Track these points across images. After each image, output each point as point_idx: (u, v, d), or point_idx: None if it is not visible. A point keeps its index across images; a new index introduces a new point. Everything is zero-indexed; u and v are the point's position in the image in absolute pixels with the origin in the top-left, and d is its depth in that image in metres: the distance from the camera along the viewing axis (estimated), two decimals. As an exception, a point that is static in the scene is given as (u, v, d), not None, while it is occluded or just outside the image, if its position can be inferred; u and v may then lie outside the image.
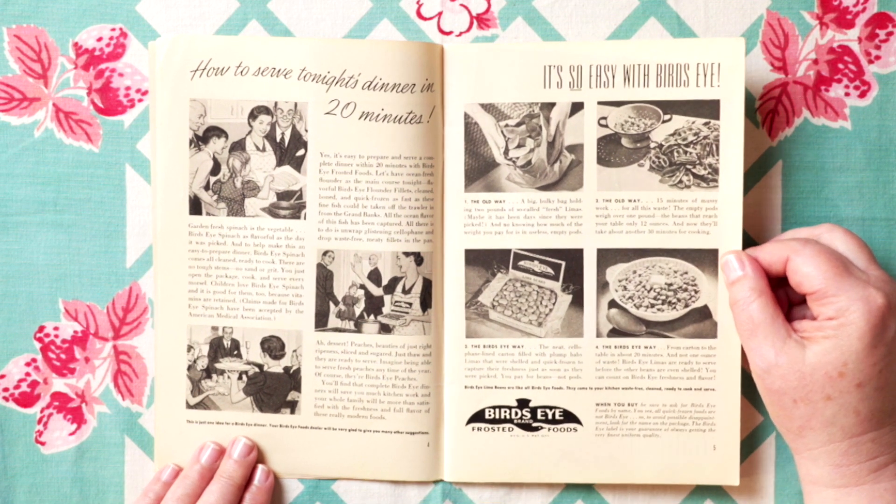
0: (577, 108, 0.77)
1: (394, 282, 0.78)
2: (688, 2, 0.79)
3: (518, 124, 0.77)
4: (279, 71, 0.77)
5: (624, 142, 0.77)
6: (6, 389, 0.80)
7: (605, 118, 0.77)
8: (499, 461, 0.78)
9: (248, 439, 0.79)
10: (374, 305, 0.79)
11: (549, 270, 0.77)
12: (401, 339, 0.78)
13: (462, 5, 0.79)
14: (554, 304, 0.78)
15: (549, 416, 0.78)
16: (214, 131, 0.78)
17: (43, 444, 0.81)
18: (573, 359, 0.78)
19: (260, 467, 0.79)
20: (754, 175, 0.79)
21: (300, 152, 0.78)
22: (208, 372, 0.79)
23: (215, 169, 0.78)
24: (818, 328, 0.68)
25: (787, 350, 0.68)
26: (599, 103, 0.77)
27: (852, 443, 0.68)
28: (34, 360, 0.80)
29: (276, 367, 0.79)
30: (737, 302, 0.71)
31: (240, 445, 0.78)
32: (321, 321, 0.79)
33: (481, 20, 0.80)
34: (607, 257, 0.77)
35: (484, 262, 0.78)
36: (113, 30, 0.80)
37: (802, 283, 0.69)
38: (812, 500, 0.70)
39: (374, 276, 0.78)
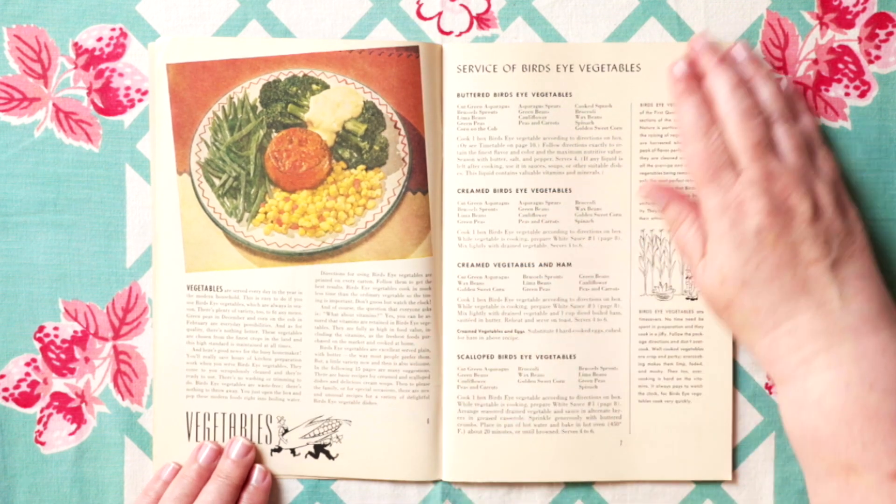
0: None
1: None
2: (688, 2, 0.79)
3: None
4: (278, 71, 0.78)
5: None
6: (6, 389, 0.81)
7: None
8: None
9: (247, 439, 0.79)
10: None
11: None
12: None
13: (462, 5, 0.79)
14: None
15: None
16: (214, 131, 0.78)
17: (43, 444, 0.81)
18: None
19: (258, 467, 0.79)
20: (754, 175, 0.79)
21: (299, 152, 0.78)
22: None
23: (215, 169, 0.79)
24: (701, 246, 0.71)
25: (698, 270, 0.71)
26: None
27: (772, 338, 0.68)
28: (34, 360, 0.81)
29: (275, 367, 0.80)
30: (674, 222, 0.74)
31: (237, 445, 0.78)
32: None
33: (481, 20, 0.80)
34: None
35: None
36: (113, 30, 0.80)
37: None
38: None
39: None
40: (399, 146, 0.77)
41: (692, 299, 0.77)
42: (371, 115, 0.77)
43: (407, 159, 0.77)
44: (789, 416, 0.69)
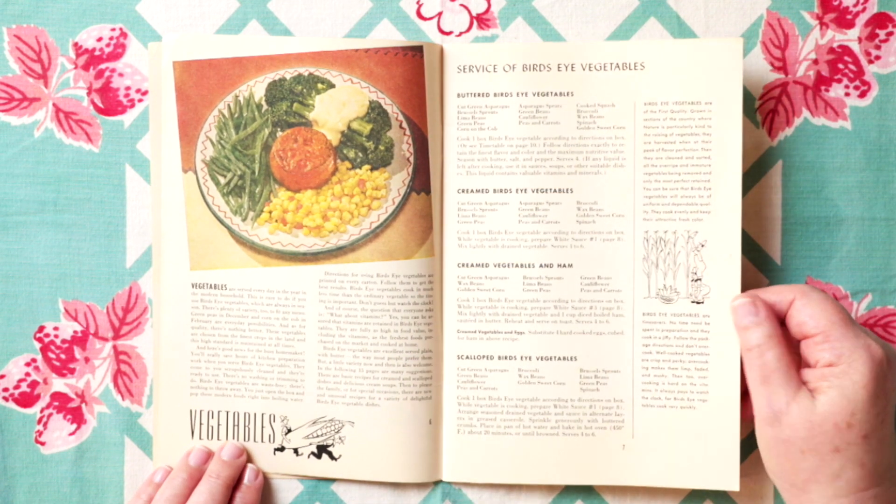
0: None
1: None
2: (688, 2, 0.79)
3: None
4: (279, 71, 0.78)
5: None
6: (6, 389, 0.80)
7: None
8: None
9: (238, 442, 0.79)
10: None
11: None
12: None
13: (462, 5, 0.80)
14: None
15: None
16: (215, 131, 0.78)
17: (43, 444, 0.81)
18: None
19: (249, 466, 0.79)
20: (754, 175, 0.79)
21: (301, 152, 0.78)
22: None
23: (216, 169, 0.79)
24: (821, 377, 0.68)
25: (798, 399, 0.68)
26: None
27: (857, 498, 0.67)
28: (34, 360, 0.80)
29: (276, 367, 0.79)
30: (751, 349, 0.71)
31: (229, 447, 0.78)
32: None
33: (481, 20, 0.80)
34: None
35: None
36: (113, 30, 0.80)
37: (805, 324, 0.69)
38: None
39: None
40: (404, 146, 0.77)
41: (698, 303, 0.76)
42: (376, 114, 0.77)
43: (412, 159, 0.77)
44: None
